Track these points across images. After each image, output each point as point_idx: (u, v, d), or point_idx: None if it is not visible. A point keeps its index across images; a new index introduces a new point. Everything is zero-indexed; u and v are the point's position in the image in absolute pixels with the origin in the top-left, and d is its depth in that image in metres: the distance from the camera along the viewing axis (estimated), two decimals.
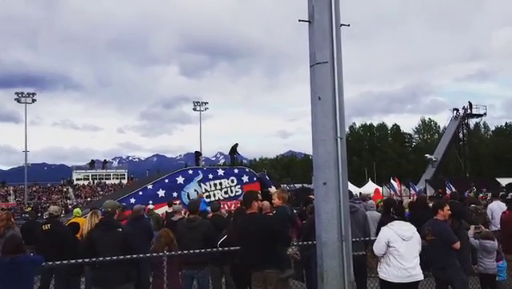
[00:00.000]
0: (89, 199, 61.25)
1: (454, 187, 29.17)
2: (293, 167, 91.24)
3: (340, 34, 4.52)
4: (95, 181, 78.53)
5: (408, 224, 5.49)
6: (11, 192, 67.52)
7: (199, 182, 22.63)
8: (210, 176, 23.05)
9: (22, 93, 53.66)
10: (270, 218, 5.99)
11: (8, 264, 5.02)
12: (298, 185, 41.62)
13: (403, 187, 33.46)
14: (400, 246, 5.06)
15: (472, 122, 55.63)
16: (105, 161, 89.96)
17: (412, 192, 30.98)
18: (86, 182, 77.50)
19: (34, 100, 53.80)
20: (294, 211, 9.15)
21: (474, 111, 50.21)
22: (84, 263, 5.67)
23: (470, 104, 50.07)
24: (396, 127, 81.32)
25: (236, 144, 27.08)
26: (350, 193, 5.91)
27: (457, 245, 5.93)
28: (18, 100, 52.96)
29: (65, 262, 5.55)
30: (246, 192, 5.86)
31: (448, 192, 24.74)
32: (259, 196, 5.66)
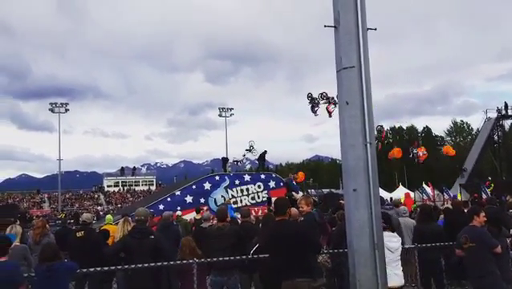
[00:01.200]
0: (119, 205, 62.41)
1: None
2: (319, 171, 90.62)
3: (367, 38, 4.46)
4: (125, 188, 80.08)
5: (396, 235, 5.72)
6: (46, 199, 69.53)
7: (226, 188, 22.76)
8: (237, 181, 23.14)
9: (56, 103, 55.27)
10: (300, 225, 5.92)
11: (45, 271, 5.13)
12: (325, 190, 41.30)
13: (436, 192, 32.68)
14: (389, 255, 5.08)
15: (507, 123, 54.05)
16: (134, 168, 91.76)
17: (446, 197, 30.20)
18: (116, 189, 79.12)
19: (67, 110, 55.31)
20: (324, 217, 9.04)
21: (510, 112, 48.67)
22: (117, 270, 5.75)
23: (506, 105, 48.47)
24: (427, 129, 79.76)
25: (265, 152, 27.11)
26: (381, 199, 5.82)
27: (498, 249, 5.70)
28: (52, 110, 54.53)
29: (99, 269, 5.64)
30: (278, 198, 5.75)
31: (484, 196, 24.02)
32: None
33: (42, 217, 31.17)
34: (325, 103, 23.10)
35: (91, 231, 8.20)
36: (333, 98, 22.90)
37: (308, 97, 23.29)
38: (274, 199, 11.99)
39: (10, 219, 10.75)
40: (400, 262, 5.61)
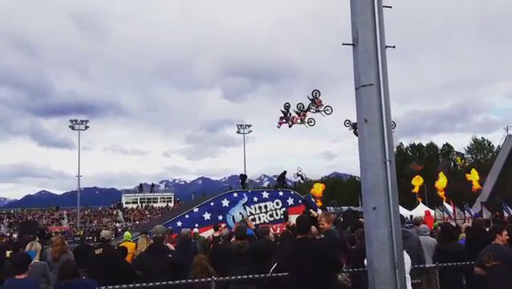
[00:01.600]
0: (138, 222, 62.66)
1: None
2: (338, 189, 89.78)
3: (385, 55, 4.47)
4: (143, 205, 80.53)
5: (405, 253, 5.35)
6: (65, 216, 70.28)
7: (244, 205, 22.70)
8: (255, 198, 23.08)
9: (76, 120, 56.23)
10: (321, 242, 5.86)
11: (63, 288, 5.17)
12: (344, 208, 40.88)
13: (457, 210, 32.07)
14: None
15: None
16: (153, 185, 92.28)
17: (467, 215, 29.62)
18: (134, 205, 79.59)
19: (87, 127, 56.22)
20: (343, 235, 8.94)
21: None
22: (135, 288, 5.75)
23: None
24: (448, 146, 78.68)
25: (284, 172, 26.98)
26: (401, 217, 5.72)
27: None
28: (73, 127, 55.50)
29: (117, 286, 5.65)
30: (300, 216, 5.70)
31: (505, 215, 23.49)
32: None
33: (60, 234, 31.46)
34: (297, 112, 22.94)
35: (109, 248, 8.23)
36: (309, 107, 22.80)
37: (285, 107, 23.21)
38: (291, 216, 11.87)
39: (29, 236, 10.86)
40: (409, 281, 5.41)
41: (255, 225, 18.06)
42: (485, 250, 5.88)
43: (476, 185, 37.32)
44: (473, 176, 38.39)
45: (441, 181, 38.17)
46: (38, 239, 10.31)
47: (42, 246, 8.30)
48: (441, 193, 37.36)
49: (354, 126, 23.75)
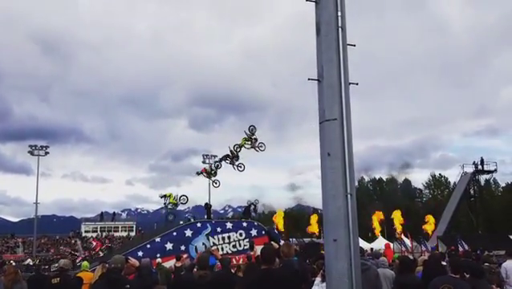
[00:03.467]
0: (97, 251, 60.51)
1: (466, 244, 28.51)
2: (302, 220, 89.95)
3: (349, 91, 4.65)
4: (104, 234, 77.99)
5: None
6: (20, 244, 67.10)
7: (207, 235, 22.50)
8: (218, 229, 22.92)
9: (36, 146, 54.52)
10: (282, 271, 5.86)
11: None
12: (306, 240, 40.95)
13: (414, 243, 32.75)
14: None
15: (482, 178, 55.17)
16: (114, 214, 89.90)
17: (424, 249, 30.29)
18: (94, 234, 76.96)
19: (47, 153, 54.55)
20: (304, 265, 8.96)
21: (485, 168, 49.90)
22: None
23: (482, 160, 49.89)
24: (407, 181, 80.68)
25: (249, 205, 27.04)
26: (361, 249, 5.84)
27: None
28: (32, 153, 53.72)
29: None
30: (266, 246, 5.73)
31: (460, 249, 24.17)
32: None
33: (14, 263, 30.00)
34: (229, 162, 24.27)
35: (66, 277, 7.99)
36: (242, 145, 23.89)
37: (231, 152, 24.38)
38: (258, 247, 11.82)
39: None
40: None
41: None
42: (443, 280, 6.01)
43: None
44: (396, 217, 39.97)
45: (398, 216, 39.31)
46: None
47: None
48: (399, 229, 38.32)
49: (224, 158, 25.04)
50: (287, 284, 4.90)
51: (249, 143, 23.94)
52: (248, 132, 24.01)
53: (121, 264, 6.27)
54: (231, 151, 24.78)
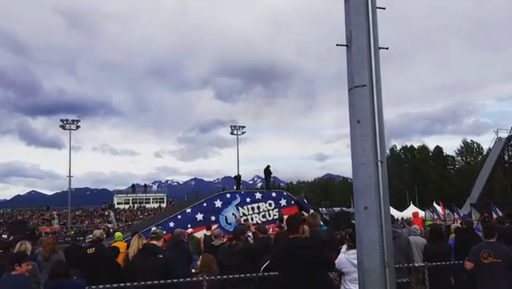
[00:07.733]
0: (129, 223, 62.37)
1: (501, 211, 27.94)
2: (331, 190, 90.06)
3: (379, 57, 4.50)
4: (136, 205, 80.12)
5: None
6: (55, 216, 69.74)
7: (237, 206, 22.72)
8: (248, 199, 23.09)
9: (67, 120, 55.88)
10: (308, 241, 5.88)
11: (53, 288, 5.16)
12: (336, 209, 41.07)
13: (447, 211, 32.34)
14: (354, 272, 4.96)
15: None
16: (145, 185, 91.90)
17: (457, 216, 29.89)
18: (126, 206, 79.15)
19: (78, 127, 55.88)
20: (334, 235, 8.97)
21: None
22: (126, 287, 5.76)
23: None
24: (438, 149, 79.29)
25: (268, 166, 26.90)
26: (392, 217, 5.79)
27: None
28: (63, 127, 55.12)
29: (108, 286, 5.66)
30: (290, 215, 5.76)
31: (494, 216, 23.71)
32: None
33: (51, 234, 31.19)
34: None
35: (102, 248, 8.23)
36: None
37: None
38: (285, 217, 11.93)
39: (19, 236, 10.76)
40: None
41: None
42: (481, 246, 5.93)
43: None
44: None
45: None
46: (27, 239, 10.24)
47: (32, 246, 8.26)
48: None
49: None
50: (313, 253, 4.91)
51: None
52: None
53: (158, 235, 6.52)
54: None
